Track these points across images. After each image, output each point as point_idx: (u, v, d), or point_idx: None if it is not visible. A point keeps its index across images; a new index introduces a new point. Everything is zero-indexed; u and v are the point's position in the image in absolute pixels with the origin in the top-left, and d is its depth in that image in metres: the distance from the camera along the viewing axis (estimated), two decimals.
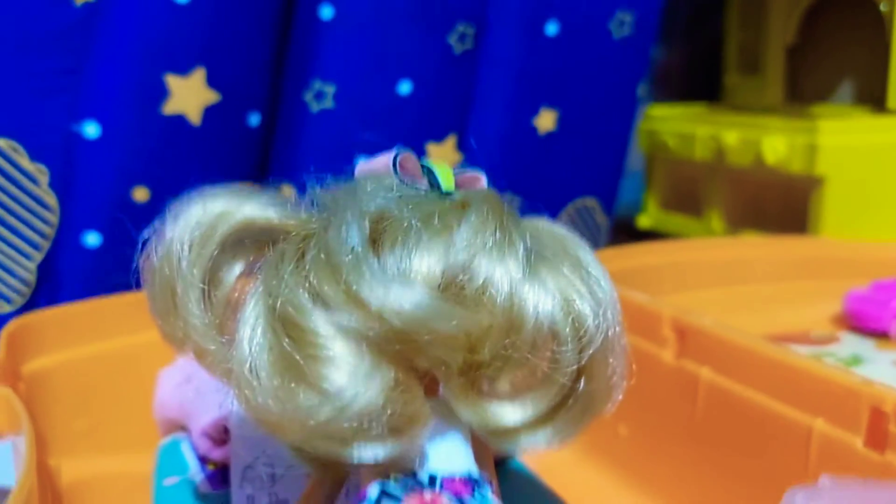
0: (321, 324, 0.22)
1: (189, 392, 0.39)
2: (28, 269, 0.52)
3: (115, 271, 0.53)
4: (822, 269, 0.62)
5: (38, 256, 0.52)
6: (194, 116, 0.53)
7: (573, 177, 0.64)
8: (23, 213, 0.51)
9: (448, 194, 0.26)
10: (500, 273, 0.23)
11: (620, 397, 0.28)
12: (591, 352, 0.25)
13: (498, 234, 0.24)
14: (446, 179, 0.27)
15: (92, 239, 0.53)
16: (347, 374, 0.21)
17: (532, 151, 0.62)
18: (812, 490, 0.29)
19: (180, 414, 0.39)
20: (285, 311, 0.22)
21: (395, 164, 0.26)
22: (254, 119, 0.56)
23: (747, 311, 0.57)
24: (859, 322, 0.56)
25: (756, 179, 0.71)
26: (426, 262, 0.23)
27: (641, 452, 0.44)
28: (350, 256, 0.22)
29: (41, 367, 0.39)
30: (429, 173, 0.27)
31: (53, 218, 0.52)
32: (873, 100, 0.71)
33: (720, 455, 0.39)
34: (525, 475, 0.37)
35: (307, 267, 0.23)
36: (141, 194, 0.53)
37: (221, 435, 0.36)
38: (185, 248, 0.24)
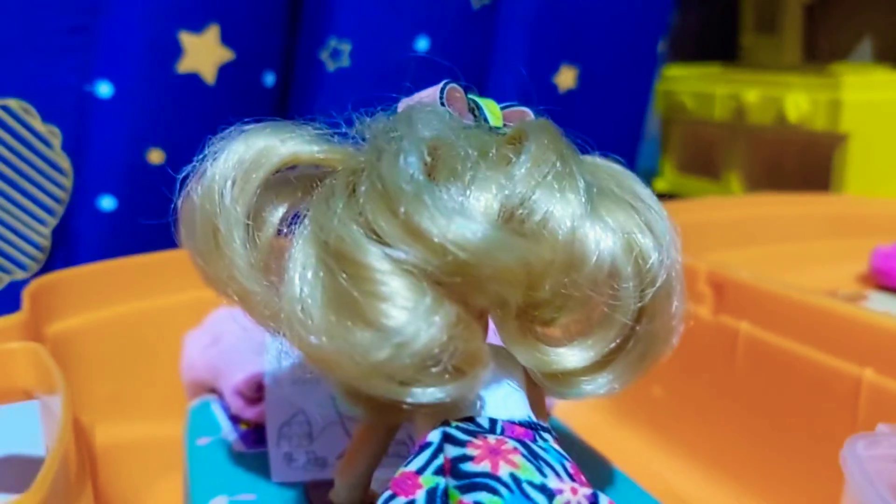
0: (378, 259, 0.21)
1: (218, 352, 0.38)
2: (43, 234, 0.51)
3: (132, 236, 0.52)
4: (847, 227, 0.61)
5: (53, 221, 0.51)
6: (209, 75, 0.52)
7: (594, 135, 0.62)
8: (36, 176, 0.50)
9: (497, 129, 0.25)
10: (561, 207, 0.22)
11: (677, 340, 0.27)
12: (653, 290, 0.24)
13: (559, 165, 0.23)
14: (494, 114, 0.26)
15: (107, 203, 0.52)
16: (408, 310, 0.20)
17: (552, 109, 0.60)
18: (872, 437, 0.28)
19: (209, 375, 0.38)
20: (339, 247, 0.21)
21: (442, 96, 0.25)
22: (269, 78, 0.55)
23: (771, 272, 0.56)
24: (887, 279, 0.55)
25: (777, 138, 0.69)
26: (484, 195, 0.22)
27: (677, 413, 0.43)
28: (409, 184, 0.21)
29: (65, 329, 0.38)
30: (476, 107, 0.26)
31: (67, 182, 0.51)
32: (893, 57, 0.70)
33: (762, 412, 0.38)
34: (565, 433, 0.36)
35: (360, 200, 0.22)
36: (156, 156, 0.52)
37: (255, 393, 0.35)
38: (228, 183, 0.23)
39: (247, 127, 0.25)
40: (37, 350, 0.29)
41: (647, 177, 0.81)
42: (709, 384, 0.41)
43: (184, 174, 0.25)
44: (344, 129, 0.24)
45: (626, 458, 0.35)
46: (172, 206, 0.26)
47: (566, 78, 0.61)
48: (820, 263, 0.59)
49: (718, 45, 0.85)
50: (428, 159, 0.22)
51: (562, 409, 0.40)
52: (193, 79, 0.52)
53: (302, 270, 0.22)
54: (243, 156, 0.24)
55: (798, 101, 0.65)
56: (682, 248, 0.26)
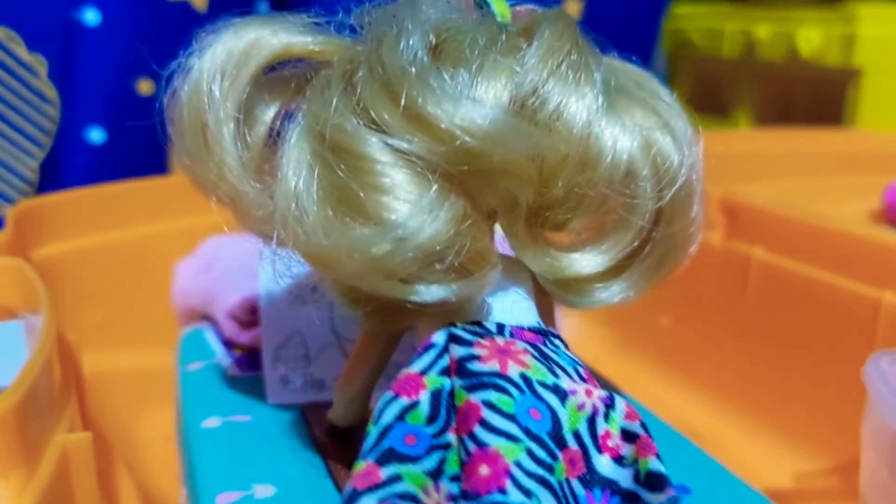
0: (379, 149, 0.19)
1: (211, 278, 0.36)
2: (30, 167, 0.49)
3: (121, 169, 0.50)
4: (860, 162, 0.59)
5: (41, 154, 0.49)
6: (200, 2, 0.50)
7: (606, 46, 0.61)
8: (23, 106, 0.48)
9: (505, 24, 0.23)
10: (576, 100, 0.21)
11: (696, 249, 0.25)
12: (672, 190, 0.22)
13: (574, 55, 0.21)
14: (503, 11, 0.24)
15: (96, 135, 0.50)
16: (411, 203, 0.19)
17: None
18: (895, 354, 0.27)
19: (202, 301, 0.36)
20: (337, 138, 0.20)
21: None
22: (262, 6, 0.52)
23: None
24: None
25: (787, 75, 0.67)
26: (493, 83, 0.20)
27: (686, 342, 0.42)
28: (413, 66, 0.19)
29: (52, 255, 0.37)
30: (484, 3, 0.24)
31: (54, 112, 0.49)
32: None
33: (775, 339, 0.37)
34: None
35: (358, 89, 0.20)
36: (146, 87, 0.50)
37: (249, 317, 0.33)
38: (217, 77, 0.22)
39: (236, 20, 0.23)
40: (20, 266, 0.28)
41: None
42: (719, 312, 0.40)
43: (169, 72, 0.24)
44: (341, 18, 0.23)
45: (632, 389, 0.34)
46: (163, 137, 0.24)
47: (571, 10, 0.59)
48: (832, 199, 0.57)
49: None
50: (433, 41, 0.20)
51: (567, 340, 0.39)
52: (184, 6, 0.50)
53: (296, 165, 0.20)
54: (233, 48, 0.22)
55: (810, 35, 0.62)
56: None
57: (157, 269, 0.39)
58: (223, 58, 0.22)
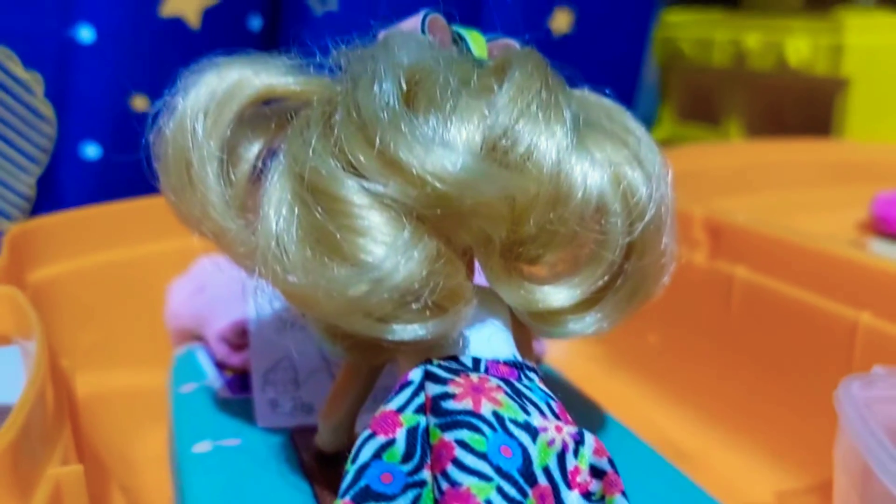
0: (355, 192, 0.20)
1: (203, 300, 0.37)
2: (27, 183, 0.50)
3: (117, 184, 0.51)
4: (847, 173, 0.60)
5: (38, 170, 0.50)
6: (193, 18, 0.50)
7: (589, 82, 0.61)
8: (19, 124, 0.49)
9: (481, 60, 0.24)
10: (546, 139, 0.21)
11: (668, 280, 0.26)
12: (642, 224, 0.23)
13: (543, 94, 0.22)
14: (479, 45, 0.25)
15: (91, 151, 0.51)
16: (386, 244, 0.20)
17: (546, 55, 0.59)
18: (867, 378, 0.28)
19: (194, 322, 0.37)
20: (315, 180, 0.20)
21: (423, 26, 0.24)
22: (255, 22, 0.53)
23: (771, 218, 0.55)
24: (887, 226, 0.54)
25: (777, 84, 0.68)
26: (465, 125, 0.21)
27: (672, 360, 0.42)
28: (385, 112, 0.20)
29: (47, 276, 0.38)
30: (460, 38, 0.25)
31: (51, 129, 0.50)
32: None
33: (757, 357, 0.38)
34: (557, 380, 0.36)
35: (336, 131, 0.21)
36: (140, 103, 0.51)
37: (240, 339, 0.34)
38: (201, 116, 0.22)
39: (219, 59, 0.24)
40: (13, 294, 0.28)
41: (646, 125, 0.80)
42: (704, 330, 0.41)
43: (156, 111, 0.25)
44: (319, 60, 0.23)
45: (620, 406, 0.34)
46: (147, 149, 0.25)
47: (561, 22, 0.60)
48: (820, 210, 0.58)
49: None
50: (405, 87, 0.21)
51: (555, 357, 0.40)
52: (177, 23, 0.50)
53: (277, 205, 0.21)
54: (216, 88, 0.23)
55: (799, 45, 0.63)
56: (680, 194, 0.26)
57: (151, 289, 0.40)
58: (206, 97, 0.23)
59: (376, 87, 0.20)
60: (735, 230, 0.39)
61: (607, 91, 0.27)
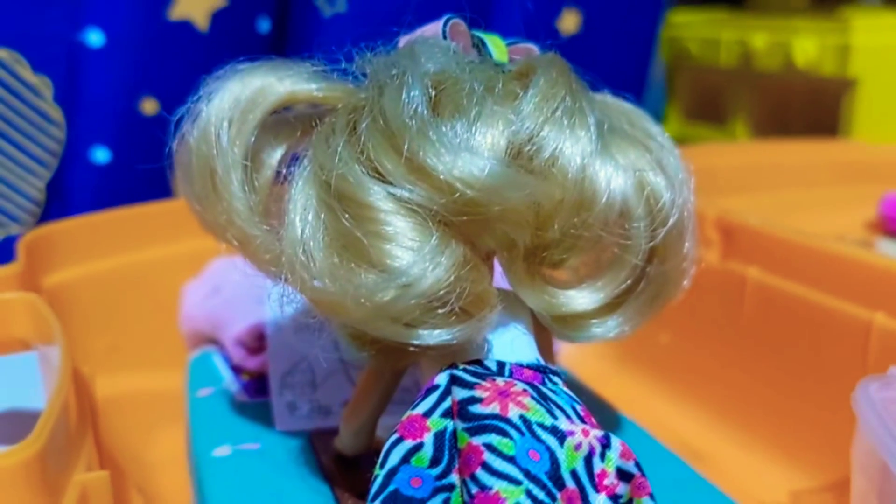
0: (381, 198, 0.20)
1: (218, 303, 0.37)
2: (37, 187, 0.50)
3: (126, 188, 0.51)
4: (855, 173, 0.60)
5: (47, 174, 0.50)
6: (202, 21, 0.50)
7: (598, 82, 0.61)
8: (28, 128, 0.49)
9: (503, 65, 0.24)
10: (571, 144, 0.22)
11: (689, 283, 0.26)
12: (665, 230, 0.23)
13: (568, 100, 0.22)
14: (500, 50, 0.25)
15: (101, 154, 0.51)
16: (413, 250, 0.20)
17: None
18: (885, 379, 0.28)
19: (210, 325, 0.37)
20: (341, 187, 0.21)
21: (444, 32, 0.24)
22: (264, 24, 0.53)
23: (777, 218, 0.55)
24: (895, 226, 0.54)
25: (784, 84, 0.68)
26: (491, 131, 0.21)
27: (685, 360, 0.43)
28: (413, 120, 0.20)
29: (62, 281, 0.38)
30: (480, 43, 0.25)
31: (60, 133, 0.50)
32: None
33: (770, 358, 0.38)
34: (569, 379, 0.36)
35: (362, 138, 0.21)
36: (149, 106, 0.51)
37: (257, 343, 0.34)
38: (225, 124, 0.22)
39: (242, 66, 0.24)
40: (34, 301, 0.29)
41: None
42: (717, 330, 0.41)
43: (178, 117, 0.25)
44: (343, 66, 0.23)
45: (633, 405, 0.35)
46: (167, 155, 0.25)
47: (569, 22, 0.60)
48: (827, 210, 0.58)
49: None
50: (432, 94, 0.21)
51: (568, 357, 0.40)
52: (186, 26, 0.50)
53: (303, 212, 0.21)
54: (239, 95, 0.23)
55: (806, 46, 0.63)
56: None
57: (165, 291, 0.40)
58: (230, 105, 0.23)
59: (404, 95, 0.20)
60: (747, 231, 0.40)
61: (627, 96, 0.27)
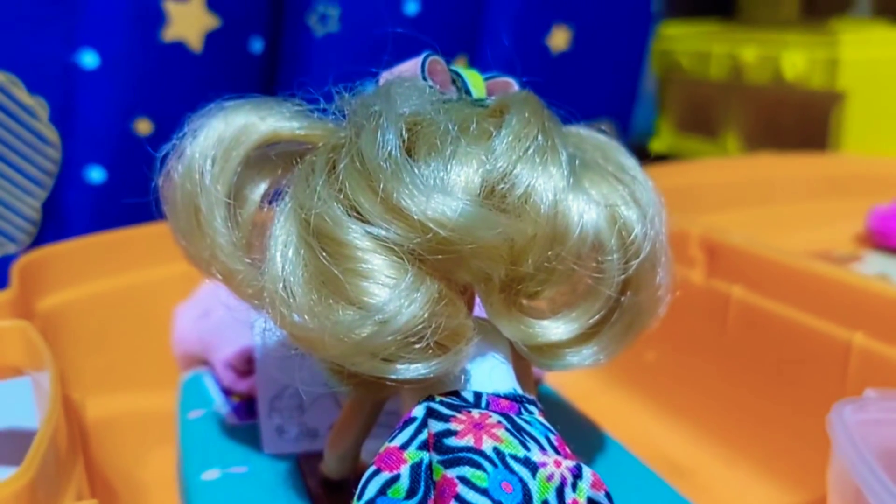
0: (358, 236, 0.21)
1: (208, 325, 0.38)
2: (33, 207, 0.51)
3: (121, 207, 0.52)
4: (843, 187, 0.60)
5: (43, 194, 0.51)
6: (195, 43, 0.51)
7: (588, 98, 0.62)
8: (24, 149, 0.50)
9: (480, 101, 0.25)
10: (544, 181, 0.22)
11: (664, 311, 0.27)
12: (637, 261, 0.24)
13: (540, 138, 0.22)
14: (477, 85, 0.26)
15: (96, 174, 0.51)
16: (389, 287, 0.20)
17: (545, 72, 0.60)
18: (859, 402, 0.29)
19: (201, 348, 0.38)
20: (319, 225, 0.21)
21: (423, 69, 0.24)
22: (256, 45, 0.54)
23: (766, 232, 0.56)
24: (883, 240, 0.55)
25: (773, 97, 0.69)
26: (465, 170, 0.22)
27: (670, 377, 0.43)
28: (387, 162, 0.21)
29: (55, 304, 0.38)
30: (458, 79, 0.25)
31: (56, 154, 0.50)
32: (893, 11, 0.69)
33: (753, 375, 0.38)
34: (556, 400, 0.37)
35: (340, 177, 0.22)
36: (144, 126, 0.51)
37: (246, 366, 0.35)
38: (208, 162, 0.23)
39: (226, 104, 0.24)
40: (25, 328, 0.29)
41: (644, 136, 0.80)
42: (701, 348, 0.41)
43: (164, 153, 0.25)
44: (323, 107, 0.24)
45: (617, 423, 0.35)
46: (158, 178, 0.26)
47: (559, 39, 0.60)
48: (816, 224, 0.58)
49: (715, 0, 0.84)
50: (406, 136, 0.21)
51: (555, 375, 0.40)
52: (179, 47, 0.51)
53: (283, 248, 0.22)
54: (223, 133, 0.24)
55: (795, 59, 0.64)
56: (677, 210, 0.26)
57: (157, 313, 0.41)
58: (214, 143, 0.24)
59: (379, 138, 0.21)
60: (731, 250, 0.40)
61: (602, 121, 0.27)
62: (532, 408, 0.23)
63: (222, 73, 0.53)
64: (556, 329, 0.24)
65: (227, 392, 0.35)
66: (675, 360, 0.43)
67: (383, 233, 0.21)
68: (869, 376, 0.33)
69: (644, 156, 0.28)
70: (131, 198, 0.54)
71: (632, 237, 0.23)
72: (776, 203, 0.60)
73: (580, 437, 0.31)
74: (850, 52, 0.62)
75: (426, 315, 0.20)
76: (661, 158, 0.77)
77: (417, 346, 0.21)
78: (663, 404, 0.43)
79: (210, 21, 0.51)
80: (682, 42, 0.75)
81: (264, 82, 0.56)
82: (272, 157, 0.24)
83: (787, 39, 0.66)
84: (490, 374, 0.24)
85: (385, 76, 0.26)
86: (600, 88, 0.63)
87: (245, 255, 0.24)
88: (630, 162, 0.25)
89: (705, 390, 0.41)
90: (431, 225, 0.20)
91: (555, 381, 0.39)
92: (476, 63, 0.59)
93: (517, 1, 0.59)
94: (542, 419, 0.23)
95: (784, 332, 0.37)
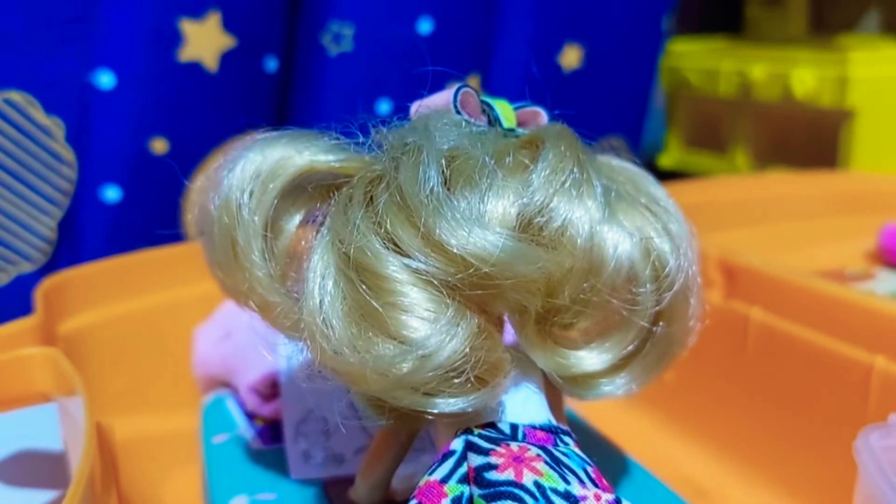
0: (397, 270, 0.21)
1: (230, 348, 0.38)
2: (49, 226, 0.51)
3: (137, 226, 0.52)
4: (854, 204, 0.60)
5: (59, 213, 0.51)
6: (211, 62, 0.51)
7: (599, 115, 0.62)
8: (41, 168, 0.50)
9: (511, 131, 0.25)
10: (580, 214, 0.22)
11: (694, 339, 0.27)
12: (671, 293, 0.24)
13: (576, 171, 0.23)
14: (507, 116, 0.26)
15: (112, 193, 0.51)
16: (430, 322, 0.20)
17: (557, 90, 0.60)
18: (886, 428, 0.29)
19: (223, 370, 0.38)
20: (359, 258, 0.21)
21: (455, 101, 0.25)
22: (271, 64, 0.54)
23: (778, 251, 0.56)
24: (895, 257, 0.55)
25: (783, 114, 0.69)
26: (502, 203, 0.22)
27: (689, 399, 0.43)
28: (429, 198, 0.21)
29: (77, 327, 0.38)
30: (489, 109, 0.26)
31: (72, 173, 0.51)
32: None
33: (773, 398, 0.39)
34: (576, 422, 0.37)
35: (379, 211, 0.22)
36: (160, 145, 0.51)
37: (270, 390, 0.35)
38: (246, 195, 0.23)
39: (262, 135, 0.25)
40: (55, 356, 0.29)
41: (653, 152, 0.81)
42: (720, 370, 0.42)
43: (182, 174, 0.25)
44: (360, 140, 0.24)
45: (638, 444, 0.35)
46: (178, 195, 0.26)
47: (570, 57, 0.61)
48: (827, 241, 0.59)
49: (723, 15, 0.84)
50: (445, 170, 0.22)
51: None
52: (195, 67, 0.51)
53: (321, 281, 0.22)
54: (260, 166, 0.24)
55: (804, 77, 0.64)
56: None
57: (177, 334, 0.41)
58: (251, 176, 0.24)
59: (420, 173, 0.21)
60: (749, 272, 0.40)
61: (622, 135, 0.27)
62: (567, 439, 0.23)
63: (237, 93, 0.53)
64: (590, 359, 0.24)
65: (250, 416, 0.35)
66: (695, 380, 0.43)
67: (423, 266, 0.21)
68: (891, 399, 0.33)
69: (652, 172, 0.28)
70: (147, 216, 0.54)
71: (666, 270, 0.24)
72: (787, 220, 0.60)
73: (604, 461, 0.32)
74: (859, 71, 0.62)
75: (467, 350, 0.21)
76: (670, 174, 0.78)
77: (457, 380, 0.21)
78: (684, 425, 0.43)
79: (226, 41, 0.51)
80: (691, 59, 0.75)
81: (278, 101, 0.56)
82: (308, 189, 0.24)
83: (796, 57, 0.66)
84: (525, 405, 0.24)
85: (416, 107, 0.26)
86: (611, 105, 0.63)
87: (282, 286, 0.24)
88: (661, 193, 0.26)
89: (725, 411, 0.41)
90: (473, 260, 0.20)
91: (574, 402, 0.39)
92: (489, 82, 0.60)
93: (530, 20, 0.59)
94: (577, 450, 0.23)
95: (805, 355, 0.37)
